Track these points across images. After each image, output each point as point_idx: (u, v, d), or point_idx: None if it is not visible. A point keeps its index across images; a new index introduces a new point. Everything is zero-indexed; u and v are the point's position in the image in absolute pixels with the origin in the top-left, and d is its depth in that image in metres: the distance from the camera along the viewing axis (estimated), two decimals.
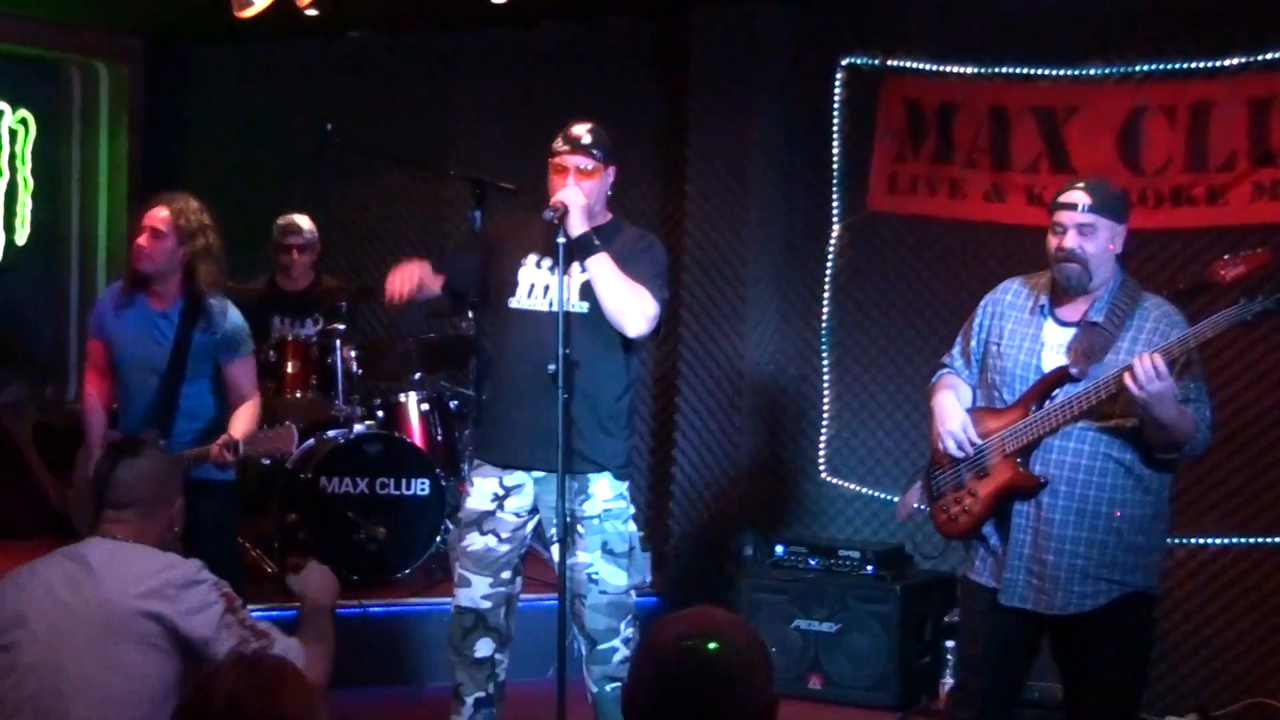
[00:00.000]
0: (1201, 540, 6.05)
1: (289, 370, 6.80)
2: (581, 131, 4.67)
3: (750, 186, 6.92)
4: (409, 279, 4.74)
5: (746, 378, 6.96)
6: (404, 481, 6.62)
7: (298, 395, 6.87)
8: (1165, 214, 6.10)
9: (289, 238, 7.26)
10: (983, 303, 4.47)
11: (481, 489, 4.74)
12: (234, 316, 5.29)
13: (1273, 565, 5.96)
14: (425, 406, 7.06)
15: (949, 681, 5.87)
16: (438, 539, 6.65)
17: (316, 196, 7.91)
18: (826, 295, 6.92)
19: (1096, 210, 4.16)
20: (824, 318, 6.94)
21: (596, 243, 4.54)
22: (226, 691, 2.43)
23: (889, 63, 6.69)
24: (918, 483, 4.61)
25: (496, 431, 4.80)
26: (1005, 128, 6.43)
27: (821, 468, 6.95)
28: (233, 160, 8.52)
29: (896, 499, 6.74)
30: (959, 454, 4.29)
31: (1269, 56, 5.92)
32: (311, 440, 6.79)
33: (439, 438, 7.05)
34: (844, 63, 6.79)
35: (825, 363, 6.93)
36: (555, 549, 4.63)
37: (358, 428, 6.75)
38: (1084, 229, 4.14)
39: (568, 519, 4.61)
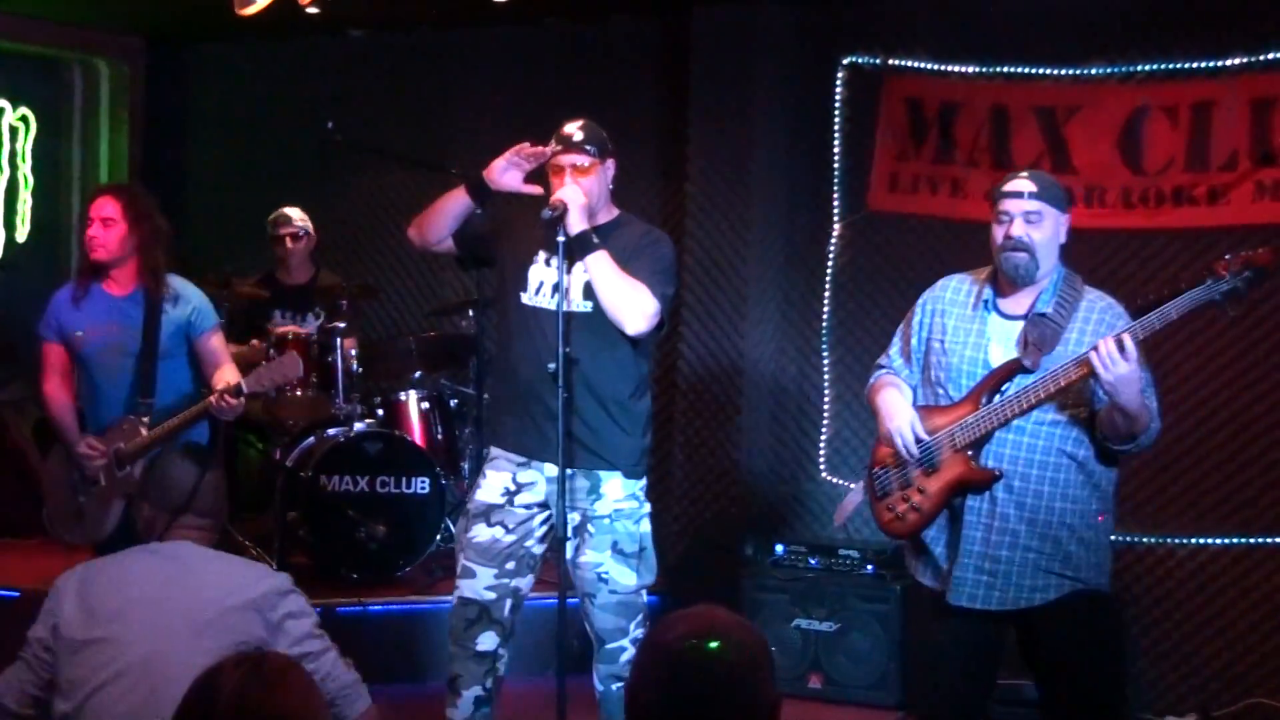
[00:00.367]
0: (1202, 540, 6.05)
1: None
2: (573, 129, 4.66)
3: (751, 185, 6.92)
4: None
5: (747, 376, 6.96)
6: (404, 480, 6.61)
7: (298, 393, 6.88)
8: (1166, 214, 6.10)
9: (280, 227, 7.32)
10: (921, 301, 4.40)
11: (494, 481, 4.73)
12: (197, 290, 5.47)
13: (1273, 565, 5.96)
14: (426, 405, 7.06)
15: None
16: (438, 537, 6.65)
17: (318, 194, 7.92)
18: (827, 294, 6.92)
19: (1042, 198, 4.12)
20: (824, 317, 6.93)
21: (595, 240, 4.54)
22: (231, 689, 2.43)
23: (890, 62, 6.68)
24: (858, 484, 4.53)
25: (510, 420, 4.78)
26: (1007, 127, 6.43)
27: (822, 467, 6.95)
28: (234, 158, 8.53)
29: None
30: (905, 452, 4.21)
31: (1270, 56, 5.92)
32: (312, 438, 6.79)
33: (439, 436, 7.05)
34: (845, 62, 6.79)
35: (826, 362, 6.93)
36: (567, 546, 4.64)
37: (358, 426, 6.75)
38: (1031, 217, 4.10)
39: (579, 517, 4.63)
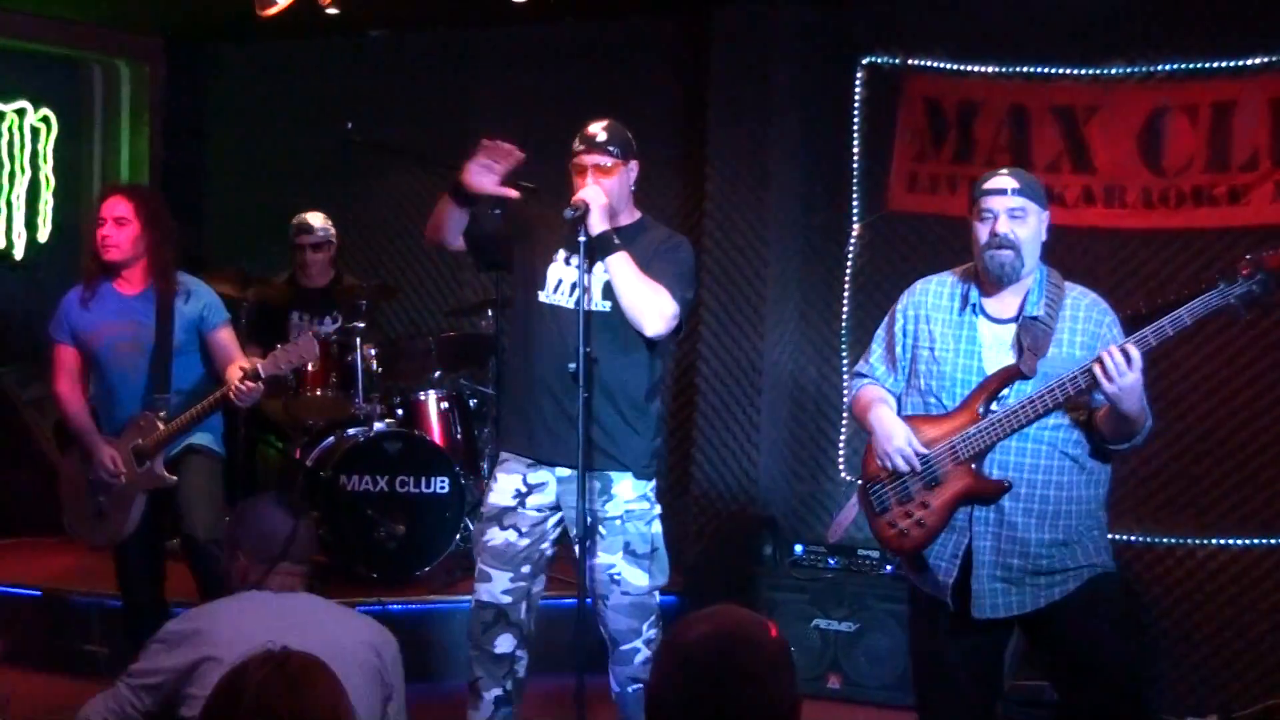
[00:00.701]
0: (1224, 541, 6.04)
1: (309, 369, 6.79)
2: (597, 130, 4.66)
3: (770, 185, 6.92)
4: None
5: (766, 377, 6.96)
6: (424, 480, 6.63)
7: (318, 393, 6.88)
8: (1186, 214, 6.09)
9: (301, 236, 7.31)
10: (900, 307, 4.31)
11: (505, 484, 4.74)
12: (206, 286, 5.53)
13: None
14: (445, 405, 7.07)
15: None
16: (457, 537, 6.66)
17: (337, 195, 7.93)
18: (846, 294, 6.91)
19: (1025, 194, 4.04)
20: (844, 317, 6.93)
21: (616, 241, 4.53)
22: (256, 688, 2.44)
23: (909, 62, 6.68)
24: (851, 500, 4.45)
25: (520, 422, 4.79)
26: (1026, 127, 6.42)
27: (841, 467, 6.94)
28: (253, 159, 8.55)
29: None
30: (906, 469, 4.11)
31: None
32: (331, 438, 6.81)
33: (458, 436, 7.06)
34: (864, 62, 6.79)
35: (845, 362, 6.92)
36: (574, 549, 4.64)
37: (378, 426, 6.76)
38: (1015, 213, 4.02)
39: (590, 519, 4.62)
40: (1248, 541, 5.98)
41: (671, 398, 7.36)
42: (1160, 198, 6.10)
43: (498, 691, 4.73)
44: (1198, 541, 6.08)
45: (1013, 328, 4.08)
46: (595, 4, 7.47)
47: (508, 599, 4.71)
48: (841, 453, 6.94)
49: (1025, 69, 6.41)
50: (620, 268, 4.52)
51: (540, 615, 4.86)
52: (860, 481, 4.34)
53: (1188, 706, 5.99)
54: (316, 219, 7.35)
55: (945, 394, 4.11)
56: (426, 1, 7.61)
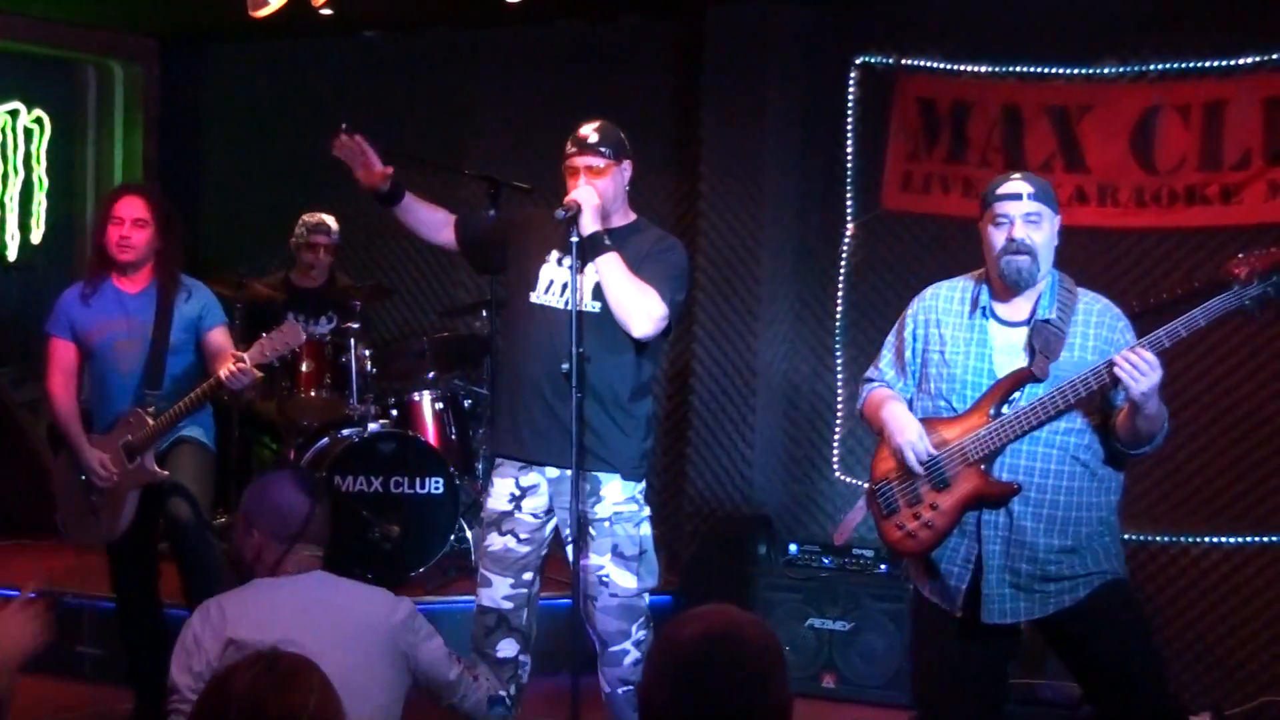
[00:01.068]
0: (1215, 539, 6.05)
1: (304, 369, 6.80)
2: (588, 131, 4.66)
3: (764, 185, 6.92)
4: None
5: (760, 376, 6.97)
6: (418, 480, 6.63)
7: (312, 394, 6.88)
8: (1179, 213, 6.09)
9: (317, 236, 7.30)
10: (910, 312, 4.27)
11: (500, 489, 4.75)
12: (206, 287, 5.57)
13: None
14: (439, 405, 7.07)
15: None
16: (452, 537, 6.67)
17: (331, 195, 7.92)
18: (840, 294, 6.92)
19: (1039, 199, 4.01)
20: (838, 316, 6.93)
21: (607, 242, 4.54)
22: (245, 688, 2.44)
23: (903, 61, 6.68)
24: (859, 503, 4.40)
25: (509, 423, 4.79)
26: (1019, 126, 6.43)
27: (835, 466, 6.95)
28: (247, 159, 8.55)
29: None
30: (918, 467, 4.07)
31: None
32: (325, 439, 6.81)
33: (453, 436, 7.06)
34: (858, 61, 6.79)
35: (839, 361, 6.93)
36: (567, 550, 4.65)
37: (372, 426, 6.76)
38: (1031, 218, 3.98)
39: (580, 520, 4.62)
40: (1240, 539, 5.99)
41: (666, 397, 7.37)
42: (1153, 197, 6.11)
43: (498, 692, 4.73)
44: (1190, 539, 6.09)
45: (1024, 331, 4.05)
46: (589, 4, 7.47)
47: (509, 604, 4.71)
48: (836, 452, 6.95)
49: (1018, 69, 6.42)
50: (610, 268, 4.53)
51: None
52: (868, 484, 4.31)
53: (1180, 703, 6.00)
54: (333, 221, 7.36)
55: (956, 397, 4.08)
56: (420, 2, 7.61)
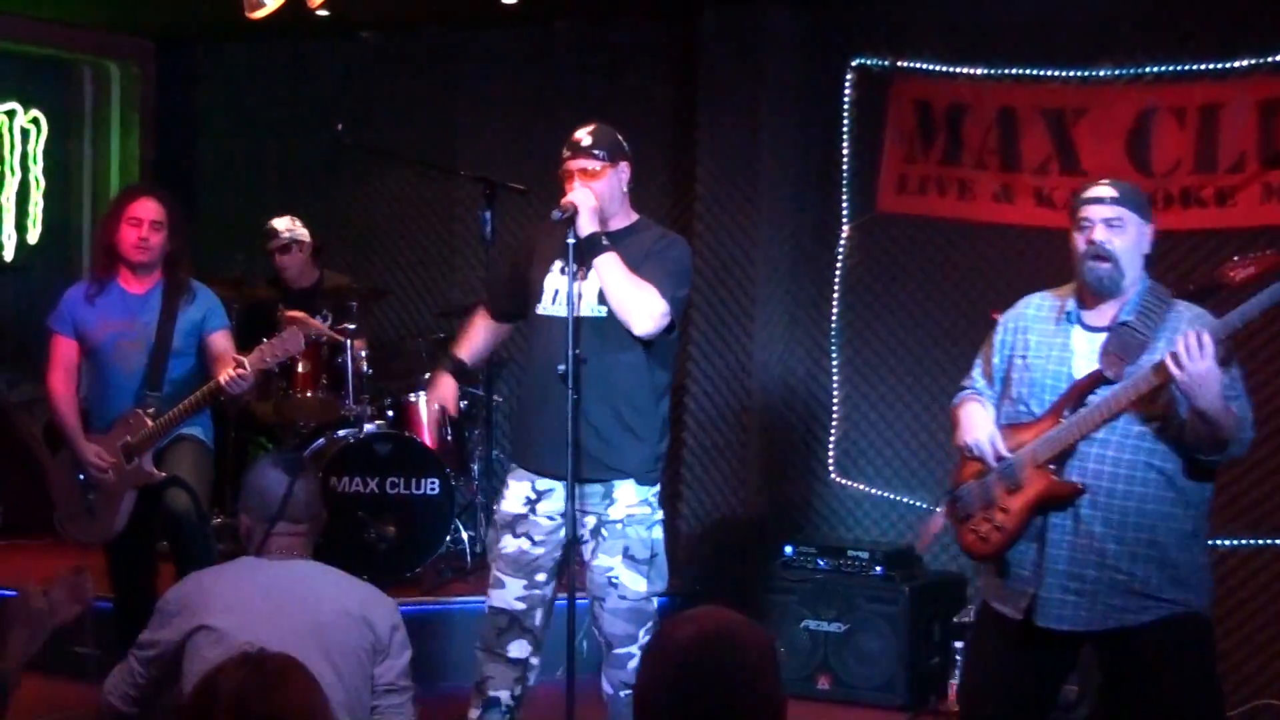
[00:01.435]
0: (1211, 541, 6.03)
1: (299, 370, 6.80)
2: (583, 135, 4.66)
3: (760, 187, 6.93)
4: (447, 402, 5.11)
5: (756, 378, 6.97)
6: (414, 481, 6.63)
7: (308, 395, 6.88)
8: (1174, 215, 6.09)
9: (267, 242, 7.29)
10: (1002, 320, 4.23)
11: (515, 492, 4.75)
12: (210, 291, 5.61)
13: None
14: (435, 406, 7.05)
15: (957, 681, 5.84)
16: (447, 538, 6.67)
17: (327, 196, 7.94)
18: (836, 296, 6.92)
19: (1123, 204, 3.94)
20: (833, 318, 6.94)
21: (604, 242, 4.54)
22: (232, 688, 2.43)
23: (899, 64, 6.69)
24: (939, 510, 4.39)
25: (525, 437, 4.82)
26: (1015, 129, 6.44)
27: (830, 468, 6.95)
28: (243, 160, 8.55)
29: (906, 500, 6.77)
30: (992, 460, 4.01)
31: (1279, 58, 5.92)
32: (322, 439, 6.81)
33: (449, 438, 7.05)
34: (854, 64, 6.80)
35: (835, 363, 6.93)
36: (583, 550, 4.67)
37: (368, 427, 6.76)
38: (1112, 223, 3.92)
39: (595, 520, 4.64)
40: (1235, 541, 6.00)
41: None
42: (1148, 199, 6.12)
43: (505, 695, 4.73)
44: None
45: (1105, 336, 3.99)
46: (585, 6, 7.47)
47: (521, 605, 4.70)
48: (832, 454, 6.95)
49: (1014, 71, 6.43)
50: (608, 268, 4.53)
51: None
52: (950, 491, 4.26)
53: None
54: (281, 222, 7.30)
55: (1035, 401, 4.03)
56: (416, 3, 7.61)
